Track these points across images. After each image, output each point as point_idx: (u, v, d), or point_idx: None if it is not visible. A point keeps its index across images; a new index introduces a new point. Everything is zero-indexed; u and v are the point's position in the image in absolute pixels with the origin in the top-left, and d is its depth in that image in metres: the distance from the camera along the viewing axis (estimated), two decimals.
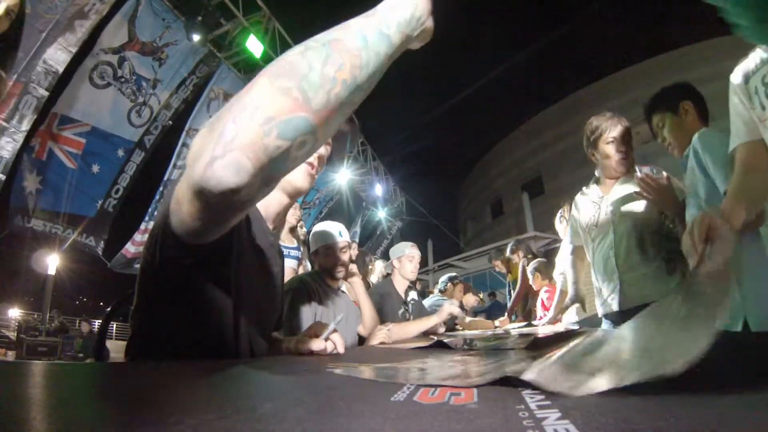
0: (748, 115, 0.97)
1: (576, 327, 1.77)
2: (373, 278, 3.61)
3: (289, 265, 2.72)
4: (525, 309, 3.80)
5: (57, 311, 8.67)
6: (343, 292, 1.86)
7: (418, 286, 4.13)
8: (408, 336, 1.85)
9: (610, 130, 1.60)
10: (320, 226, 1.87)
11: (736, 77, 1.01)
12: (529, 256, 3.78)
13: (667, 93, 1.41)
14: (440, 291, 3.94)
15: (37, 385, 0.37)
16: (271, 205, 0.83)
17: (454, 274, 4.50)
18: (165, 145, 4.97)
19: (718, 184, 1.12)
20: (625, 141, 1.59)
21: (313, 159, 0.81)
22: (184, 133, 5.12)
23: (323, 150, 0.83)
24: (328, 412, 0.28)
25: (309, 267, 2.89)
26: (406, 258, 2.41)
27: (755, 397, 0.27)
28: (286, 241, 2.75)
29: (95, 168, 4.41)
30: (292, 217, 2.76)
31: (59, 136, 4.08)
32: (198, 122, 5.26)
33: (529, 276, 3.39)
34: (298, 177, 0.81)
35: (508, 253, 4.07)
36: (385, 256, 4.39)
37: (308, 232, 3.15)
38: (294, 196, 0.84)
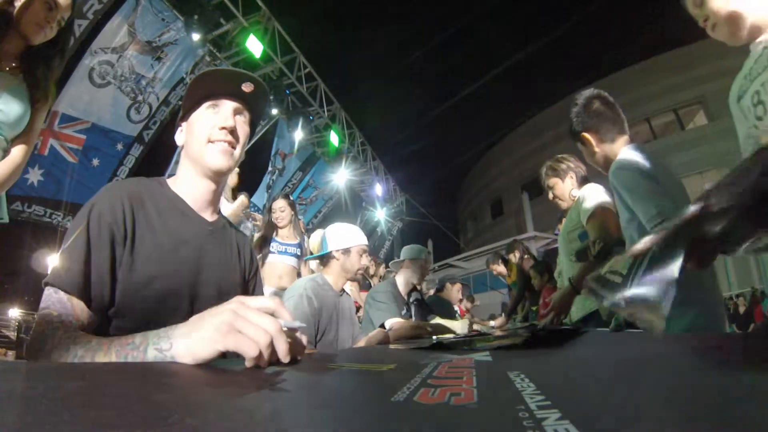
0: (748, 133, 0.99)
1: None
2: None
3: (288, 262, 2.71)
4: (524, 309, 3.80)
5: None
6: (344, 292, 1.84)
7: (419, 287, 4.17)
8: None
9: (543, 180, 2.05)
10: (351, 226, 1.85)
11: (730, 98, 1.04)
12: (526, 257, 3.78)
13: (576, 118, 1.47)
14: (437, 290, 3.94)
15: (36, 385, 0.37)
16: (197, 192, 0.83)
17: (449, 274, 4.54)
18: (164, 139, 4.99)
19: (639, 213, 1.20)
20: (548, 186, 2.00)
21: (223, 135, 0.79)
22: None
23: (232, 123, 0.80)
24: (328, 412, 0.27)
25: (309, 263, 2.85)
26: (422, 263, 2.39)
27: (756, 398, 0.27)
28: (286, 238, 2.74)
29: (95, 162, 4.44)
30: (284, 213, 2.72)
31: (60, 133, 4.11)
32: None
33: (534, 277, 3.40)
34: (209, 157, 0.79)
35: (504, 253, 4.07)
36: (388, 260, 4.40)
37: (305, 229, 3.13)
38: (215, 177, 0.83)
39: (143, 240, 0.73)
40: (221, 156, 0.80)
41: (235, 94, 0.83)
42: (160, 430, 0.21)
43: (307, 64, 6.63)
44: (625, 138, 1.39)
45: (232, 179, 2.56)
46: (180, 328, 0.52)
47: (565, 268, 1.98)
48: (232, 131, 0.81)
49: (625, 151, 1.32)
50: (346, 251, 1.74)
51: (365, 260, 1.78)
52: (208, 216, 0.85)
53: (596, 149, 1.42)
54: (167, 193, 0.81)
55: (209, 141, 0.80)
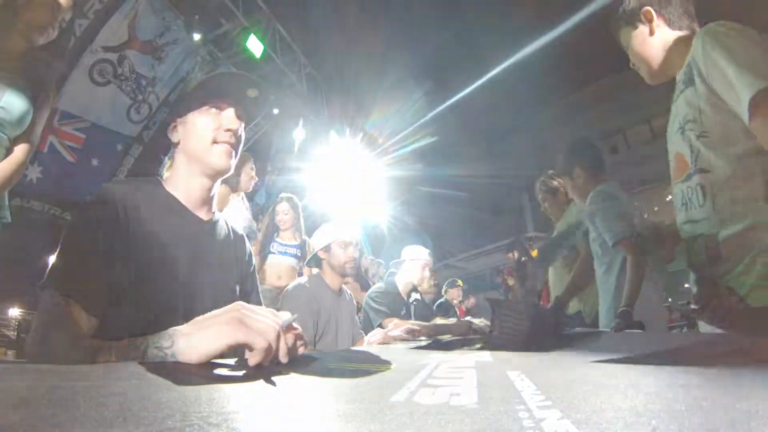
0: None
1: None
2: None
3: (288, 263, 2.70)
4: None
5: None
6: (344, 291, 1.84)
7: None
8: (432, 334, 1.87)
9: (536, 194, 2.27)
10: (332, 223, 1.86)
11: None
12: (524, 259, 3.76)
13: (563, 160, 1.80)
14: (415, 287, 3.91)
15: (37, 385, 0.37)
16: (193, 191, 0.83)
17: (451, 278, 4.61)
18: (163, 140, 4.99)
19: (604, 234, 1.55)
20: (541, 199, 2.21)
21: (227, 137, 0.81)
22: None
23: (237, 125, 0.83)
24: (328, 412, 0.28)
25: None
26: (423, 264, 2.38)
27: (755, 398, 0.27)
28: (287, 239, 2.73)
29: (94, 162, 4.44)
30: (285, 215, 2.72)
31: (59, 130, 4.11)
32: None
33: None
34: (214, 158, 0.81)
35: (505, 252, 4.07)
36: (387, 259, 4.41)
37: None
38: (214, 177, 0.84)
39: (139, 241, 0.73)
40: (225, 157, 0.82)
41: (237, 99, 0.85)
42: (159, 430, 0.21)
43: (307, 64, 6.63)
44: (605, 177, 1.71)
45: (247, 184, 2.52)
46: (182, 328, 0.53)
47: (553, 276, 2.15)
48: (236, 134, 0.83)
49: (605, 185, 1.63)
50: (327, 248, 1.75)
51: (351, 252, 1.75)
52: (204, 215, 0.85)
53: (582, 183, 1.71)
54: (162, 193, 0.82)
55: (214, 142, 0.81)
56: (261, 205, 6.14)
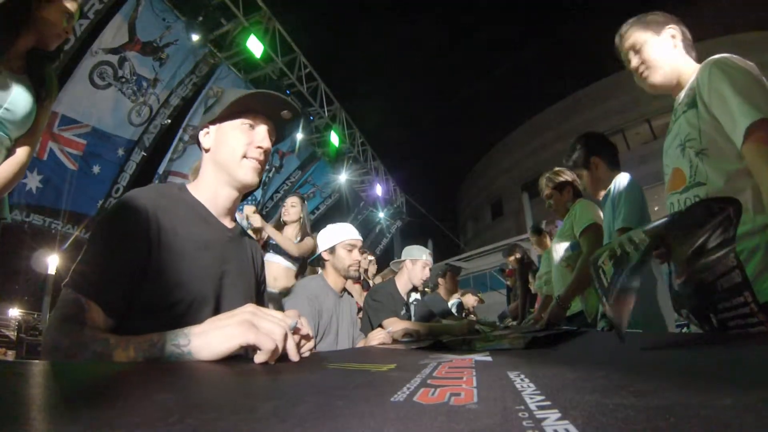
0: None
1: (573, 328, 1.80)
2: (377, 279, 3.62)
3: (285, 264, 2.67)
4: (523, 313, 3.81)
5: None
6: (346, 292, 1.84)
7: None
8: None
9: (542, 190, 2.20)
10: (338, 224, 1.85)
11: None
12: (526, 260, 3.78)
13: (580, 152, 1.74)
14: (433, 287, 3.90)
15: (37, 384, 0.37)
16: (220, 199, 0.86)
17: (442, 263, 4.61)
18: (163, 143, 4.98)
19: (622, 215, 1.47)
20: (546, 196, 2.16)
21: (258, 154, 0.85)
22: (180, 129, 5.13)
23: (268, 144, 0.86)
24: (328, 412, 0.28)
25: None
26: (423, 264, 2.37)
27: (754, 398, 0.27)
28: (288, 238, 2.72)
29: (96, 169, 4.42)
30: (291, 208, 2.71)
31: (60, 136, 4.08)
32: (195, 119, 5.27)
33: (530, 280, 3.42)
34: (242, 172, 0.84)
35: (503, 256, 4.09)
36: (385, 255, 4.42)
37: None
38: (242, 189, 0.87)
39: (168, 246, 0.73)
40: (253, 173, 0.84)
41: (270, 117, 0.88)
42: (160, 430, 0.21)
43: (307, 64, 6.63)
44: (620, 170, 1.66)
45: None
46: (197, 327, 0.56)
47: (556, 275, 2.11)
48: (266, 152, 0.86)
49: (626, 173, 1.58)
50: (332, 250, 1.76)
51: (356, 255, 1.76)
52: (228, 223, 0.88)
53: (601, 174, 1.66)
54: (188, 200, 0.83)
55: (244, 156, 0.84)
56: (258, 201, 6.16)
